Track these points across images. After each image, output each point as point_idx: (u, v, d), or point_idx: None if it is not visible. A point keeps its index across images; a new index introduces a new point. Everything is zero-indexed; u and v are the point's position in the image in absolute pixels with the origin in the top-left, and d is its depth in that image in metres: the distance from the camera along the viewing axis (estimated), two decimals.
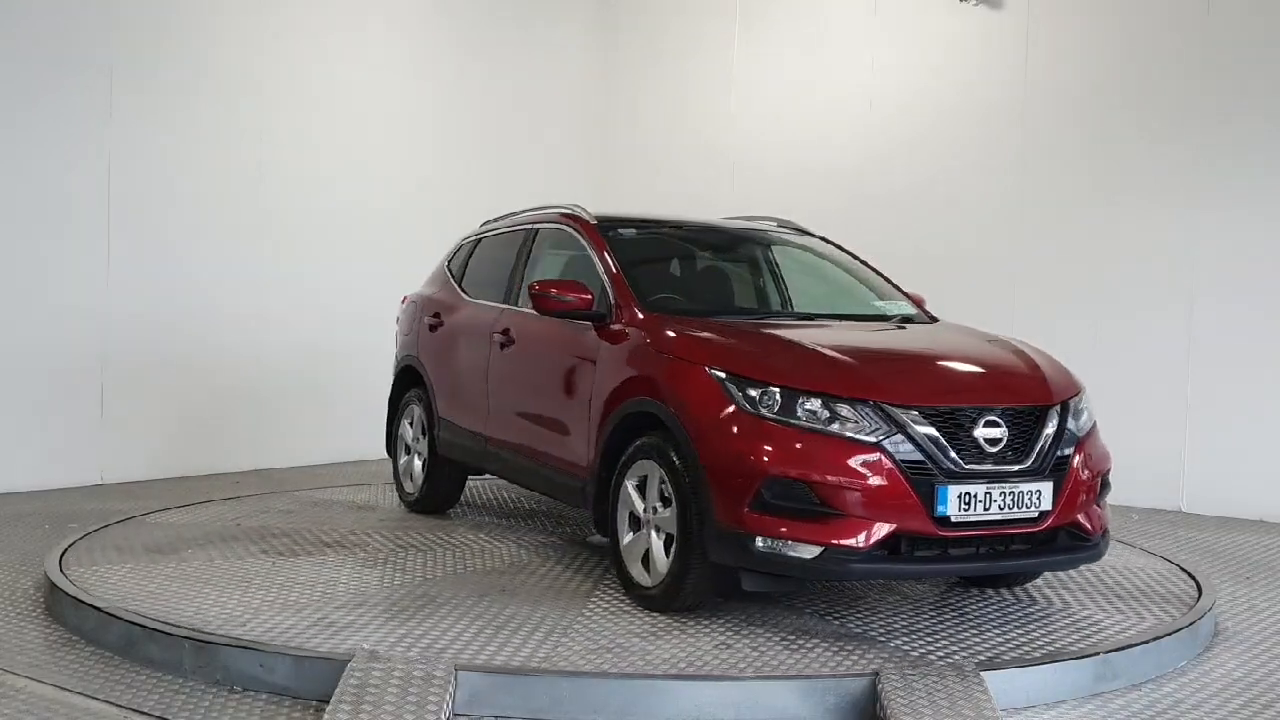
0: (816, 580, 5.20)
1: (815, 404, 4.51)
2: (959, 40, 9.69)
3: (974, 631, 4.75)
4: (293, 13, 9.32)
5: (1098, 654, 4.45)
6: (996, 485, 4.54)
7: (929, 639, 4.62)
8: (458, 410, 6.54)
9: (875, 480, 4.41)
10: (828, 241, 6.79)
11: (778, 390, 4.56)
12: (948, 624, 4.85)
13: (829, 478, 4.40)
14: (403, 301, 7.55)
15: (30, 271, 7.85)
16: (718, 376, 4.67)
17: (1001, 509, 4.54)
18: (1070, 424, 4.84)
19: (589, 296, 5.39)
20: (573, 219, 6.08)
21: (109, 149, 8.20)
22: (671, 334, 5.07)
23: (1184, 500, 8.52)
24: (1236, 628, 5.36)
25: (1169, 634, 4.76)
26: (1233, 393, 8.34)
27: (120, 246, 8.28)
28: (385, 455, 7.52)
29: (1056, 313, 8.88)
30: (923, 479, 4.44)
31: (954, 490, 4.47)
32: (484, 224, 7.24)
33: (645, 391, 4.95)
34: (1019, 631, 4.77)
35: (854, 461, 4.42)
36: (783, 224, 6.77)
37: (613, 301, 5.38)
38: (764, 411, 4.54)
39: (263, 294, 9.10)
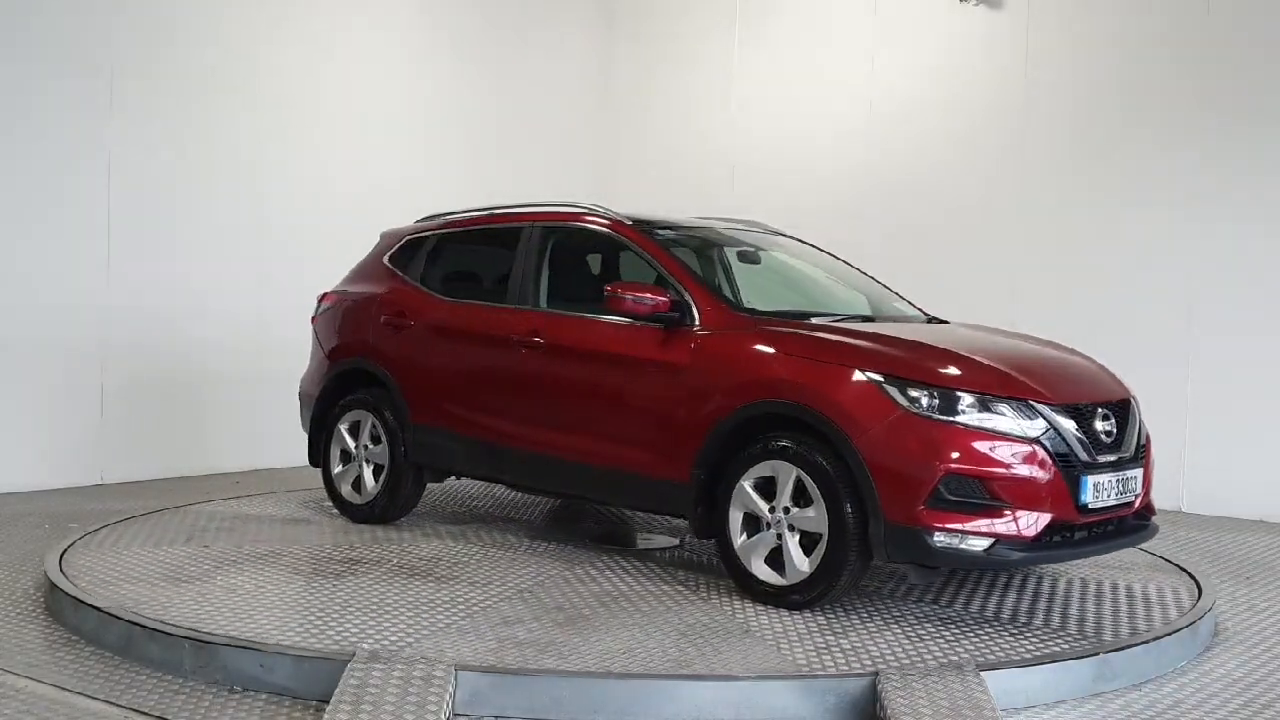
0: (981, 570, 5.55)
1: (976, 403, 4.74)
2: (959, 40, 9.69)
3: (974, 631, 4.75)
4: (293, 14, 9.32)
5: (1098, 654, 4.45)
6: (1114, 473, 4.97)
7: (929, 639, 4.62)
8: (451, 416, 6.23)
9: (1038, 474, 4.71)
10: (801, 241, 6.81)
11: (939, 391, 4.74)
12: (948, 624, 4.85)
13: (1001, 472, 4.66)
14: (323, 299, 7.13)
15: (30, 271, 7.85)
16: (875, 379, 4.82)
17: (1117, 495, 4.98)
18: (1141, 416, 5.37)
19: (667, 299, 5.40)
20: (603, 220, 6.00)
21: (109, 149, 8.21)
22: (799, 337, 5.17)
23: (1184, 500, 8.52)
24: (1236, 628, 5.36)
25: (1169, 634, 4.76)
26: (1233, 393, 8.34)
27: (120, 246, 8.28)
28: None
29: (1055, 311, 8.86)
30: (1069, 470, 4.78)
31: (1091, 479, 4.85)
32: (425, 220, 6.94)
33: (774, 394, 5.01)
34: (1019, 631, 4.77)
35: (1020, 456, 4.70)
36: (749, 224, 6.72)
37: (690, 304, 5.40)
38: (930, 412, 4.71)
39: (262, 294, 9.09)
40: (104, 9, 8.13)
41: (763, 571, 5.02)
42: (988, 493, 4.63)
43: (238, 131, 8.95)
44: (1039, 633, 4.75)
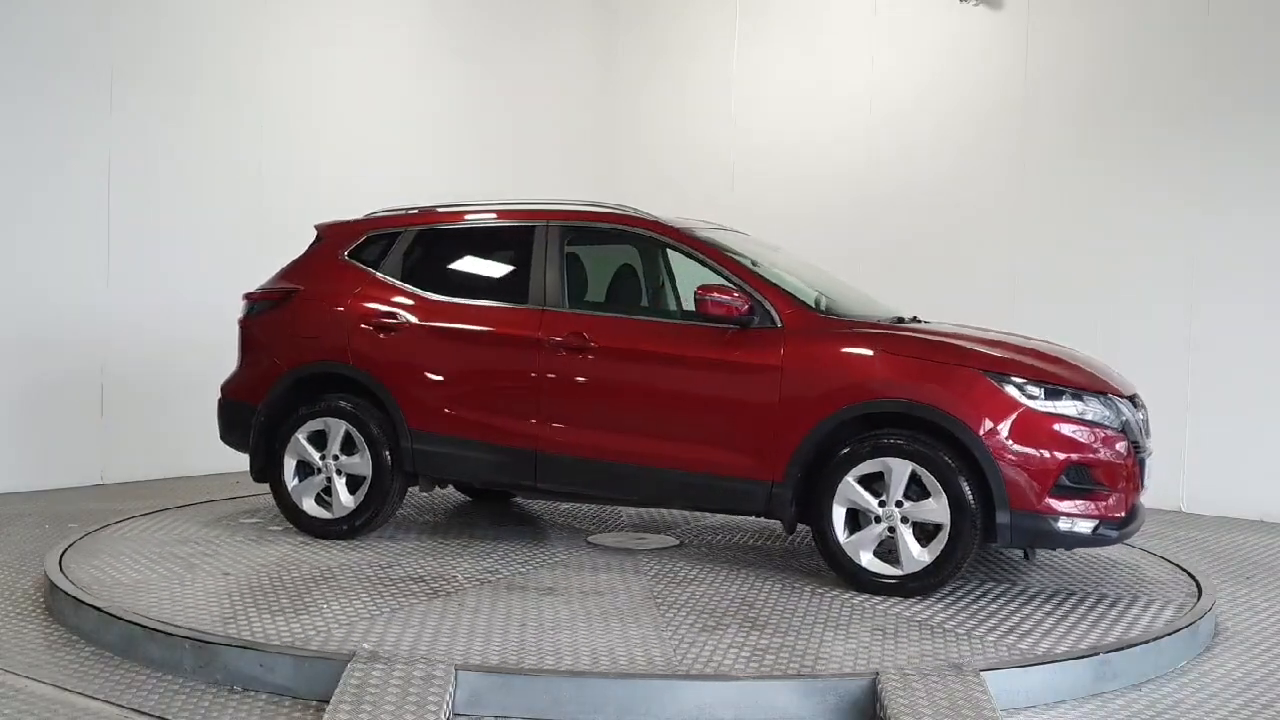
0: (1077, 548, 5.92)
1: (1078, 397, 5.20)
2: (959, 40, 9.69)
3: (974, 631, 4.75)
4: (293, 13, 9.33)
5: (1098, 654, 4.45)
6: (1148, 458, 5.51)
7: (929, 639, 4.61)
8: (465, 422, 5.96)
9: (1126, 460, 5.24)
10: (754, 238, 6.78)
11: (1048, 387, 5.19)
12: (948, 624, 4.85)
13: (1104, 460, 5.16)
14: (256, 299, 6.62)
15: (30, 271, 7.86)
16: (994, 377, 5.18)
17: (1148, 479, 5.52)
18: None
19: (749, 301, 5.49)
20: (641, 221, 5.97)
21: (109, 149, 8.21)
22: (903, 338, 5.41)
23: (1184, 500, 8.52)
24: (1236, 628, 5.37)
25: (1169, 634, 4.76)
26: (1233, 393, 8.35)
27: (120, 246, 8.28)
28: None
29: (1056, 313, 8.87)
30: (1138, 456, 5.35)
31: (1148, 463, 5.46)
32: (378, 215, 6.59)
33: (887, 393, 5.24)
34: (1019, 631, 4.76)
35: (1115, 445, 5.21)
36: (708, 223, 6.54)
37: (767, 306, 5.51)
38: (1047, 407, 5.14)
39: None
40: (104, 9, 8.13)
41: (874, 564, 5.25)
42: (1093, 479, 5.13)
43: (238, 131, 8.95)
44: (1039, 633, 4.75)
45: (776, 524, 6.76)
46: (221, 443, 6.67)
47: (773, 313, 5.49)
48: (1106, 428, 5.21)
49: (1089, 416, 5.19)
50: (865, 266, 9.56)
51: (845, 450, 5.26)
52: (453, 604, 4.92)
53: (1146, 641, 4.63)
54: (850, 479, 5.24)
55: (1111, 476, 5.17)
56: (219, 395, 6.71)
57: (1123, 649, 4.53)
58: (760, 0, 10.85)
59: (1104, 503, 5.14)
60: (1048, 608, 5.16)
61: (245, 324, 6.70)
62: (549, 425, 5.82)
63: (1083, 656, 4.42)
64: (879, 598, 5.16)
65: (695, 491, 5.63)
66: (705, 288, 5.50)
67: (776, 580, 5.51)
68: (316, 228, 6.78)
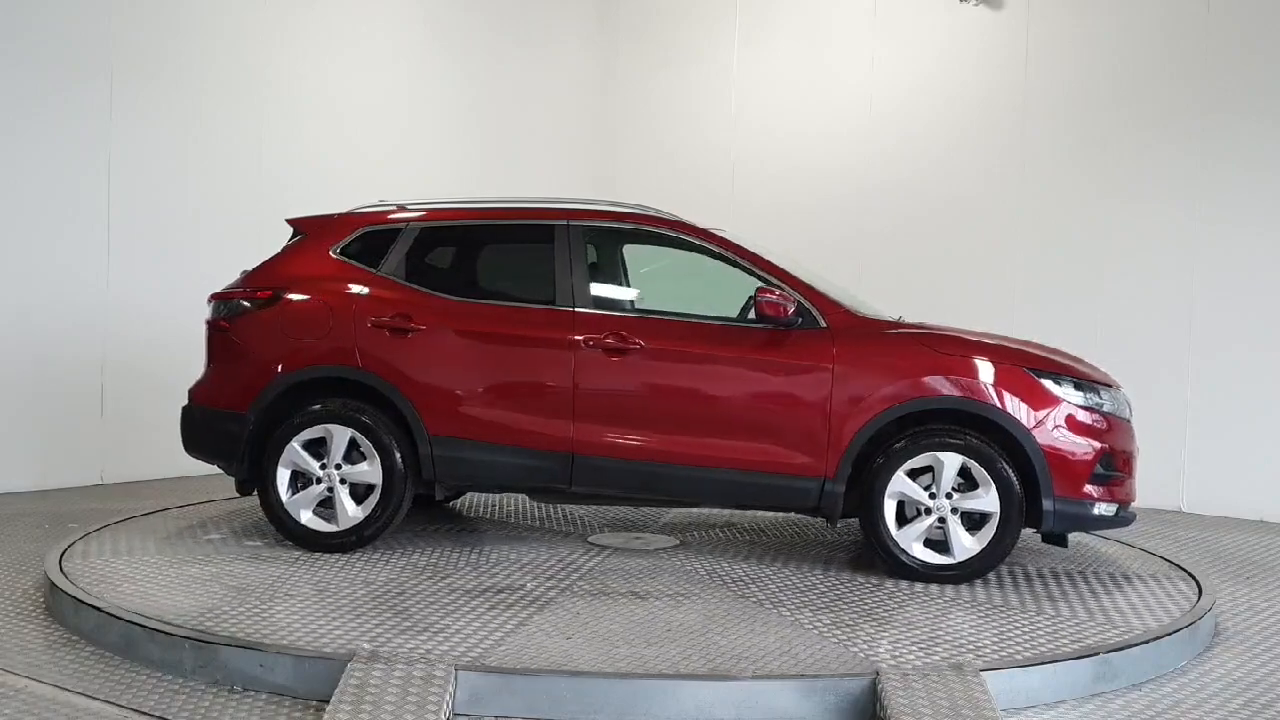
0: (1101, 530, 6.13)
1: (1100, 391, 5.63)
2: (959, 40, 9.69)
3: (974, 631, 4.75)
4: (294, 13, 9.32)
5: (1098, 654, 4.45)
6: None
7: (929, 639, 4.62)
8: (493, 427, 5.78)
9: (1136, 448, 5.77)
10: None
11: (1078, 383, 5.61)
12: (948, 624, 4.85)
13: (1125, 449, 5.66)
14: (226, 299, 6.19)
15: (31, 271, 7.86)
16: (1036, 374, 5.55)
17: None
18: None
19: (794, 302, 5.64)
20: (667, 222, 5.99)
21: (109, 149, 8.21)
22: (949, 338, 5.66)
23: (1184, 500, 8.52)
24: (1236, 628, 5.37)
25: (1169, 634, 4.77)
26: (1233, 393, 8.35)
27: (120, 246, 8.28)
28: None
29: (1056, 312, 8.88)
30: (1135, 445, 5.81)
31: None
32: (370, 209, 6.31)
33: (939, 391, 5.50)
34: (1019, 631, 4.76)
35: (1130, 435, 5.74)
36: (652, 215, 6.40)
37: (810, 307, 5.69)
38: (1082, 402, 5.55)
39: None
40: (104, 9, 8.13)
41: (926, 554, 5.52)
42: (1116, 466, 5.58)
43: (238, 132, 8.95)
44: (1039, 633, 4.75)
45: (768, 516, 6.86)
46: (188, 454, 6.24)
47: (816, 314, 5.66)
48: (1123, 419, 5.69)
49: (1107, 409, 5.61)
50: (867, 267, 9.57)
51: (897, 446, 5.50)
52: (566, 614, 4.79)
53: (1146, 641, 4.64)
54: (901, 473, 5.49)
55: (1126, 463, 5.65)
56: (187, 402, 6.22)
57: (1123, 649, 4.53)
58: (761, 1, 10.85)
59: (1123, 487, 5.62)
60: (1048, 607, 5.16)
61: (221, 325, 6.17)
62: (587, 427, 5.74)
63: (1083, 656, 4.42)
64: (932, 586, 5.45)
65: (746, 490, 5.70)
66: (764, 289, 5.62)
67: (827, 572, 5.70)
68: (293, 223, 6.45)
